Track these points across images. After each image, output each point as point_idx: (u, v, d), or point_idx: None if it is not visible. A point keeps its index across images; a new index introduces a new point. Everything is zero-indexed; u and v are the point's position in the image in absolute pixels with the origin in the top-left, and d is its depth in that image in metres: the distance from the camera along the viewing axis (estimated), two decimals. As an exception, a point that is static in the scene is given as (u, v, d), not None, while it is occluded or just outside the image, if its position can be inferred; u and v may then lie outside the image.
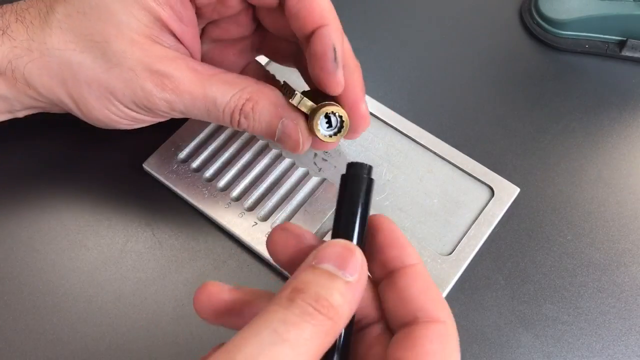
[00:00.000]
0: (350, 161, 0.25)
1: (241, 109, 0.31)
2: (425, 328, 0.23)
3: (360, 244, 0.24)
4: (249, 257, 0.35)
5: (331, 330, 0.21)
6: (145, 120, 0.33)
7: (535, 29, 0.45)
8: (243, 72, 0.37)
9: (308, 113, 0.31)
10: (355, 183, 0.24)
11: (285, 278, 0.34)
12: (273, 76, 0.37)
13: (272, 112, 0.31)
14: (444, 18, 0.46)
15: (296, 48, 0.35)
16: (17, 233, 0.35)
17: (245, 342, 0.20)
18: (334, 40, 0.29)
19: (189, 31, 0.32)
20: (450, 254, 0.34)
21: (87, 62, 0.30)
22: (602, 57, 0.44)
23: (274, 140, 0.32)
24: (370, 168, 0.25)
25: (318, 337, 0.21)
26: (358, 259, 0.23)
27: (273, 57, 0.37)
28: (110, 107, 0.31)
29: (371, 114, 0.39)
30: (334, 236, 0.24)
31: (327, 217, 0.35)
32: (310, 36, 0.30)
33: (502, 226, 0.36)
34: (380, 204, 0.36)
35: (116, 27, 0.30)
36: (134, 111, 0.31)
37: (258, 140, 0.38)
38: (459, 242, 0.35)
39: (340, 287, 0.22)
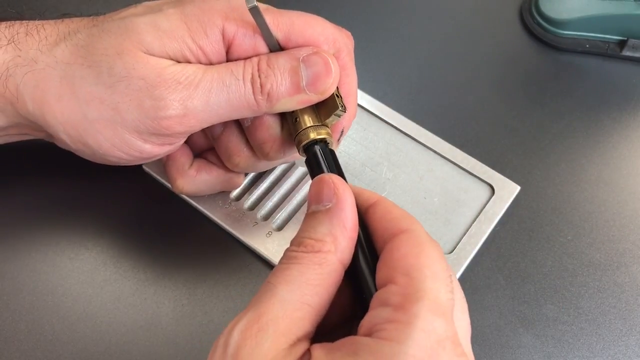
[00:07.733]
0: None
1: (259, 68, 0.28)
2: (392, 243, 0.22)
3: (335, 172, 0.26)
4: (249, 257, 0.35)
5: (324, 260, 0.22)
6: (150, 152, 0.29)
7: (536, 28, 0.45)
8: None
9: None
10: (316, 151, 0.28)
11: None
12: None
13: (288, 57, 0.28)
14: (445, 17, 0.46)
15: None
16: (17, 233, 0.35)
17: (246, 307, 0.21)
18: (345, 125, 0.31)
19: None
20: (451, 252, 0.34)
21: (90, 77, 0.27)
22: (603, 57, 0.44)
23: (301, 93, 0.28)
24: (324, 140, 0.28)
25: (309, 271, 0.21)
26: (329, 183, 0.23)
27: None
28: (107, 133, 0.28)
29: (371, 112, 0.39)
30: None
31: (327, 216, 0.35)
32: None
33: (503, 225, 0.36)
34: (380, 203, 0.36)
35: (135, 43, 0.27)
36: (139, 139, 0.28)
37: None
38: (459, 240, 0.35)
39: (320, 219, 0.22)
